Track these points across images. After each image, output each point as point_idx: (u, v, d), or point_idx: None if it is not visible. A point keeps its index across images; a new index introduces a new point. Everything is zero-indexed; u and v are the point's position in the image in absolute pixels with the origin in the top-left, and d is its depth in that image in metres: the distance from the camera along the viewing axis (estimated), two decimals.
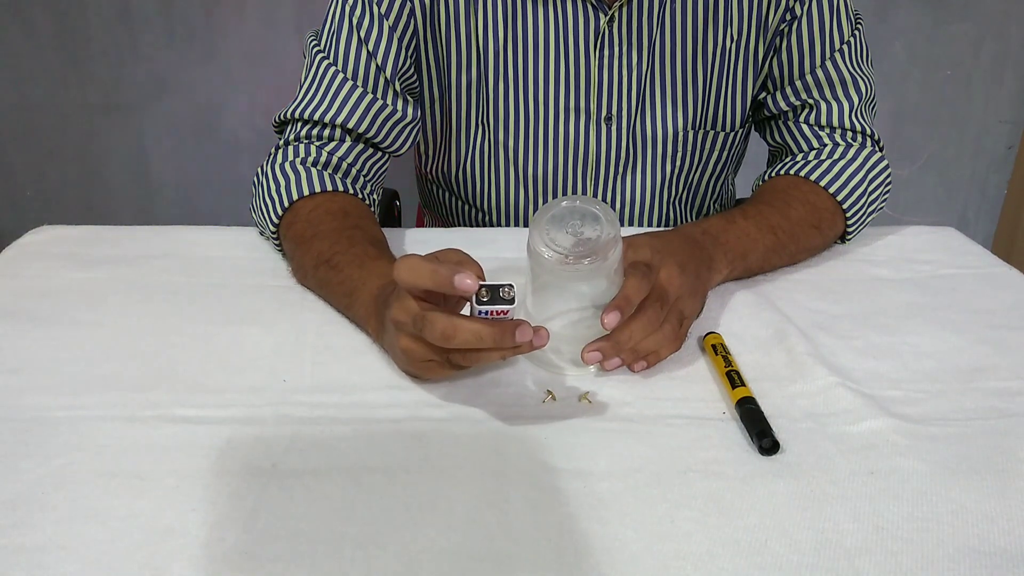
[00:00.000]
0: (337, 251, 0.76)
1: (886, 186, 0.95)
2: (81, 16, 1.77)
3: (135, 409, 0.62)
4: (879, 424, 0.62)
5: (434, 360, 0.61)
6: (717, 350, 0.69)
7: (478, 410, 0.63)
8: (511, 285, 0.58)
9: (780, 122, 0.98)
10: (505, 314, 0.58)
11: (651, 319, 0.66)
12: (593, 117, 0.96)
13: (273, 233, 0.85)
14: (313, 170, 0.85)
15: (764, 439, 0.59)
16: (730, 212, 0.85)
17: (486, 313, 0.58)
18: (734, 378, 0.65)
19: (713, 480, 0.57)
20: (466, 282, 0.56)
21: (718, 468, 0.58)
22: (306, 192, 0.84)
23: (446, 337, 0.57)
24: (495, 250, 0.84)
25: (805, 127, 0.96)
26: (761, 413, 0.62)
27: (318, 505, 0.54)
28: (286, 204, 0.83)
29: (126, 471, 0.56)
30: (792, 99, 0.96)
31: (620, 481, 0.56)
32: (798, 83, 0.95)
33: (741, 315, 0.77)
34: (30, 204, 1.96)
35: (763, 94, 0.99)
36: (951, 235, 0.96)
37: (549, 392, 0.65)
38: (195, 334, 0.72)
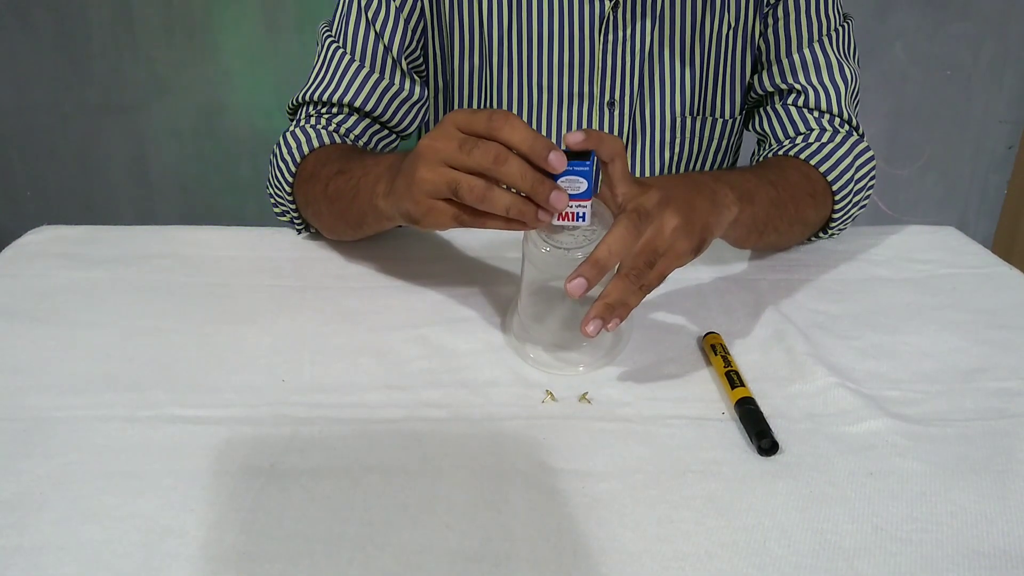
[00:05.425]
0: (348, 165, 0.79)
1: (871, 178, 0.94)
2: (81, 16, 1.77)
3: (134, 409, 0.62)
4: (878, 424, 0.62)
5: (443, 203, 0.62)
6: (716, 350, 0.69)
7: (477, 410, 0.63)
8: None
9: (767, 107, 0.97)
10: (583, 197, 0.61)
11: (627, 229, 0.62)
12: (596, 102, 0.96)
13: (290, 197, 0.87)
14: (323, 131, 0.88)
15: (763, 439, 0.59)
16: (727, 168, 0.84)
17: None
18: (733, 378, 0.65)
19: (712, 480, 0.56)
20: (553, 159, 0.59)
21: (717, 468, 0.58)
22: (316, 145, 0.87)
23: (498, 161, 0.59)
24: (495, 249, 0.85)
25: (793, 109, 0.95)
26: (760, 413, 0.62)
27: (316, 505, 0.53)
28: (298, 159, 0.86)
29: (125, 471, 0.56)
30: (778, 80, 0.95)
31: (619, 481, 0.56)
32: (784, 61, 0.95)
33: (741, 315, 0.77)
34: (30, 204, 1.96)
35: (752, 76, 0.99)
36: (951, 235, 0.96)
37: (548, 392, 0.65)
38: (194, 334, 0.72)
